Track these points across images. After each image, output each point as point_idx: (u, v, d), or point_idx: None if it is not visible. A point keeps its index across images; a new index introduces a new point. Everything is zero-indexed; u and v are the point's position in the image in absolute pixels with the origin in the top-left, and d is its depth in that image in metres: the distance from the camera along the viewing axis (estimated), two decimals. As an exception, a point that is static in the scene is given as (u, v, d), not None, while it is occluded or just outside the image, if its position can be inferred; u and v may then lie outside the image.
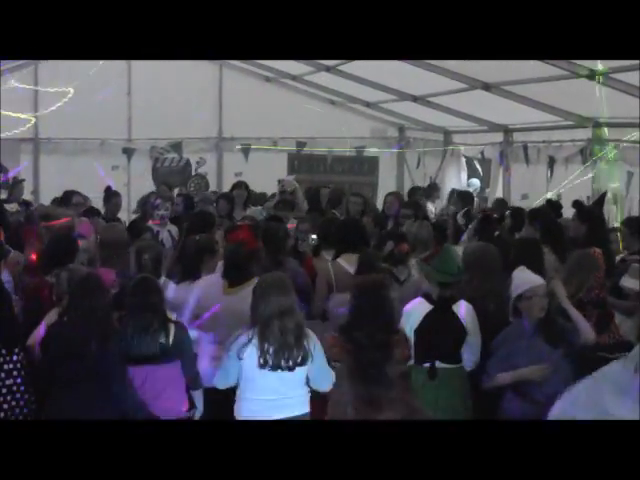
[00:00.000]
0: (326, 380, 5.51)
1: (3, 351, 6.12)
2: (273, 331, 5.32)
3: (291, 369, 5.34)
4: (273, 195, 11.50)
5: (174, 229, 9.26)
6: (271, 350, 5.31)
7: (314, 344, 5.42)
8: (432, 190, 12.87)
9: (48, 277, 6.54)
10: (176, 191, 13.70)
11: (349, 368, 5.41)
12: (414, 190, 12.00)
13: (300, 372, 5.39)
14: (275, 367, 5.33)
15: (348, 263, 6.87)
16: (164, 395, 5.66)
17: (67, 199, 9.84)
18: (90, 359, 5.45)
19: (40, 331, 5.93)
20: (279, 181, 11.30)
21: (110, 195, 10.88)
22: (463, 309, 5.89)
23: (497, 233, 8.00)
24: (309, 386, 5.53)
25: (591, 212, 8.07)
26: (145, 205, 9.97)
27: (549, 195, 10.15)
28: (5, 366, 6.11)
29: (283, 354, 5.31)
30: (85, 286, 5.71)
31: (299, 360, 5.33)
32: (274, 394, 5.38)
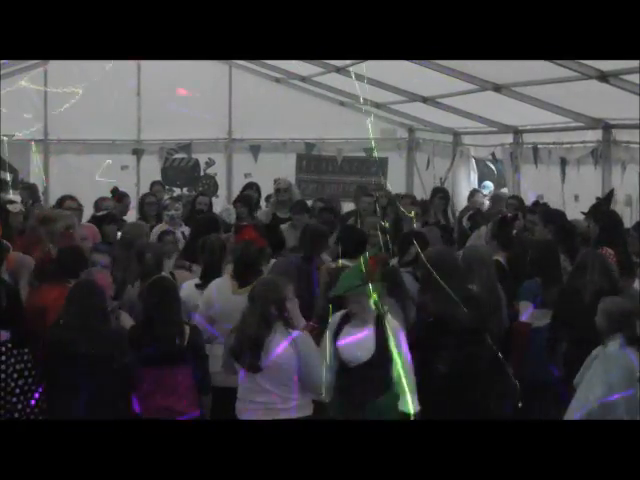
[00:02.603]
0: (313, 380, 5.30)
1: (14, 351, 6.14)
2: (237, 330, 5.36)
3: (254, 370, 5.26)
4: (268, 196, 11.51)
5: (187, 230, 9.22)
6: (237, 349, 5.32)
7: (297, 342, 5.28)
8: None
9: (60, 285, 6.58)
10: (183, 191, 13.80)
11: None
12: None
13: (285, 373, 5.27)
14: (246, 366, 5.29)
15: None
16: (176, 396, 5.66)
17: (59, 205, 9.57)
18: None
19: None
20: (275, 181, 11.30)
21: (119, 197, 10.87)
22: None
23: (515, 232, 7.96)
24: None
25: (605, 212, 8.04)
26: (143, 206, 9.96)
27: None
28: (17, 366, 6.13)
29: (244, 353, 5.28)
30: (79, 290, 5.78)
31: (258, 361, 5.22)
32: (265, 396, 5.28)
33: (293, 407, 5.29)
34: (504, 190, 12.90)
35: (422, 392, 5.48)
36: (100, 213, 9.49)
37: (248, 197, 10.72)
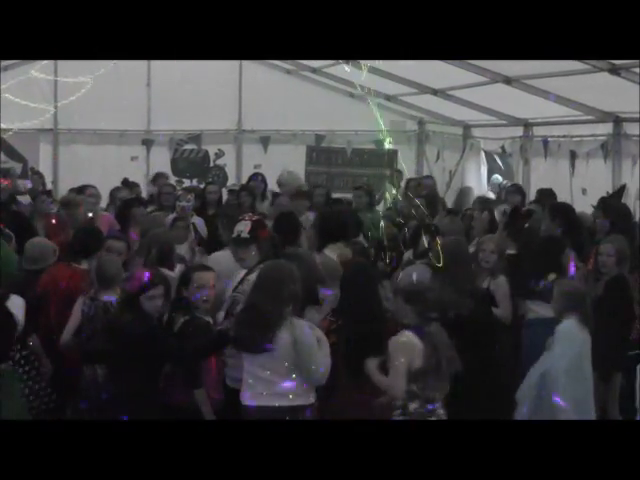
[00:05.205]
0: (309, 371, 5.21)
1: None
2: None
3: (251, 350, 5.24)
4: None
5: (199, 221, 9.22)
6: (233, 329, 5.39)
7: (299, 331, 5.21)
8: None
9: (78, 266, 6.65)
10: (193, 182, 13.79)
11: (341, 355, 5.48)
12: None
13: (276, 357, 5.19)
14: (238, 347, 5.38)
15: (332, 252, 6.76)
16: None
17: (80, 192, 9.65)
18: None
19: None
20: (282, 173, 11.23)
21: (129, 186, 10.93)
22: None
23: (527, 225, 7.94)
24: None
25: (615, 207, 8.03)
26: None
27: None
28: (23, 352, 6.28)
29: (243, 335, 5.26)
30: None
31: (259, 342, 5.17)
32: (253, 379, 5.25)
33: (287, 392, 5.21)
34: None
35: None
36: (130, 196, 9.60)
37: (253, 188, 10.68)
